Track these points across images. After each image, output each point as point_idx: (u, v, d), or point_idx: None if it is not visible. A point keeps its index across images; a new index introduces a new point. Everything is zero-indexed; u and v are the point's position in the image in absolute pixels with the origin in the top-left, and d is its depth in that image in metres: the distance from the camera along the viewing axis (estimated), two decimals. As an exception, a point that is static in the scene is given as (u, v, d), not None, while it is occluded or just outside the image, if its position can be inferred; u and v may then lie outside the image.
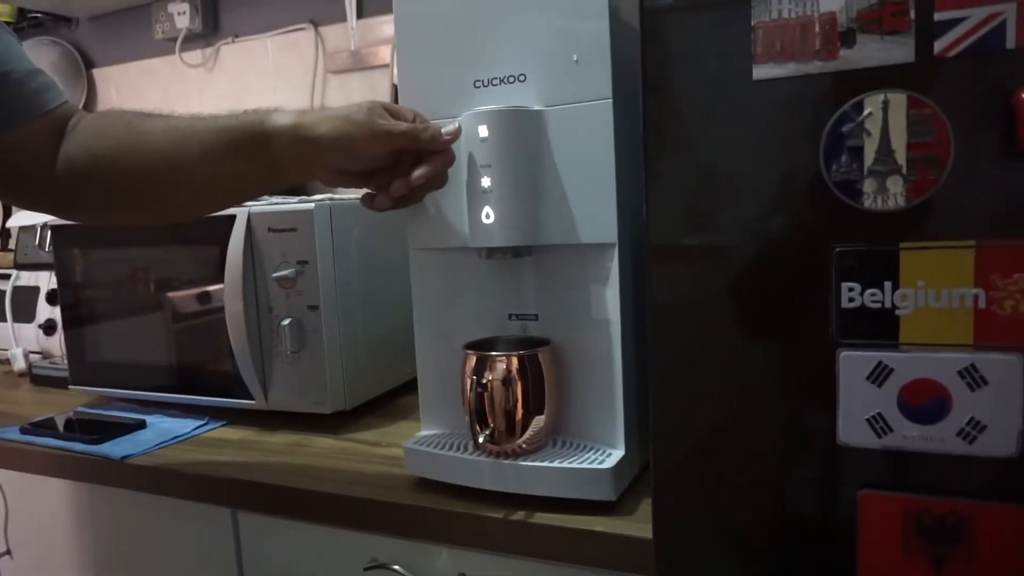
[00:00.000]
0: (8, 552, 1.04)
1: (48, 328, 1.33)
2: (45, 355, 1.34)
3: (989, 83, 0.42)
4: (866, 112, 0.45)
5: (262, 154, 0.66)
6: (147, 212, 0.76)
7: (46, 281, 1.35)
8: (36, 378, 1.27)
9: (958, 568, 0.46)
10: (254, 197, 0.85)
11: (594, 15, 0.63)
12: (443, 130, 0.67)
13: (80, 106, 1.66)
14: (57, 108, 0.70)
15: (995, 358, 0.44)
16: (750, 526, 0.53)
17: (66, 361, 1.12)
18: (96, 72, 1.68)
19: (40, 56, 1.67)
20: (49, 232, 1.13)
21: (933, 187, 0.44)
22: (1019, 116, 0.41)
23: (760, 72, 0.47)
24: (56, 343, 1.31)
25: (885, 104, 0.44)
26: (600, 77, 0.64)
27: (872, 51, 0.44)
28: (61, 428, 0.98)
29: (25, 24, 1.67)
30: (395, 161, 0.68)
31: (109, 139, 0.69)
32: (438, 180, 0.69)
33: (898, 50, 0.44)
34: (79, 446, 0.91)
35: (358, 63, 1.38)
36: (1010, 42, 0.42)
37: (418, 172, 0.67)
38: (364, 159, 0.67)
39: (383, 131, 0.64)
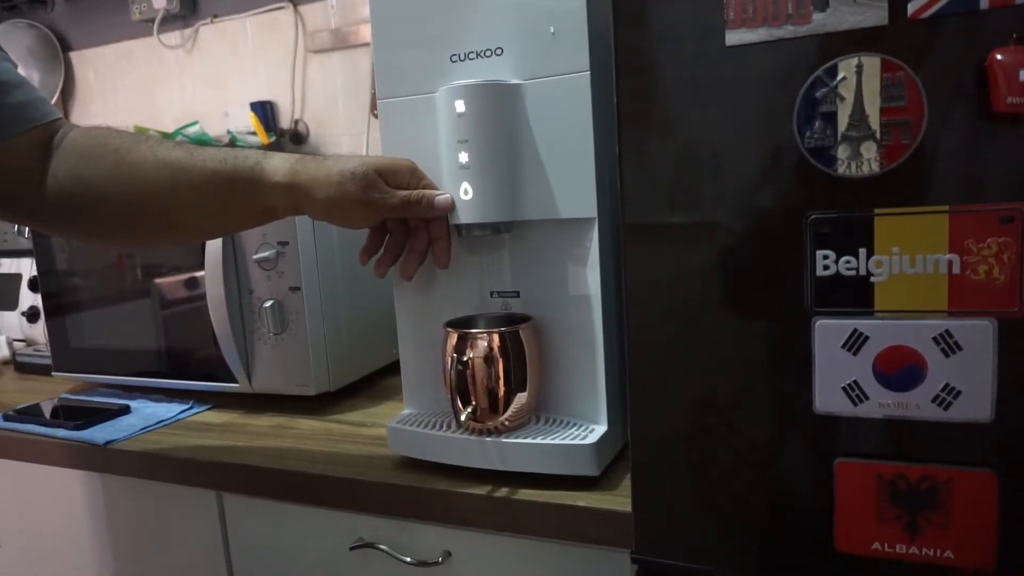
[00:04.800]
0: (-4, 540, 1.04)
1: (31, 316, 1.32)
2: (29, 343, 1.33)
3: (962, 45, 0.42)
4: (839, 77, 0.44)
5: (253, 201, 0.66)
6: (134, 241, 0.80)
7: (28, 268, 1.34)
8: (20, 366, 1.26)
9: (932, 533, 0.46)
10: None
11: (570, -14, 0.62)
12: (435, 200, 0.66)
13: (58, 90, 1.64)
14: (44, 124, 0.68)
15: (969, 324, 0.44)
16: (728, 497, 0.53)
17: (49, 348, 1.11)
18: (73, 55, 1.65)
19: (15, 40, 1.64)
20: (27, 218, 1.11)
21: (907, 152, 0.44)
22: (992, 78, 0.40)
23: (732, 38, 0.46)
24: (40, 330, 1.30)
25: (859, 68, 0.44)
26: (577, 49, 0.63)
27: (845, 14, 0.44)
28: (46, 415, 0.97)
29: (-1, 7, 1.64)
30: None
31: (98, 168, 0.67)
32: (440, 254, 0.70)
33: (871, 13, 0.43)
34: (63, 432, 0.90)
35: (339, 42, 1.36)
36: (983, 3, 0.41)
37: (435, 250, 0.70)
38: (353, 224, 0.69)
39: (376, 205, 0.65)
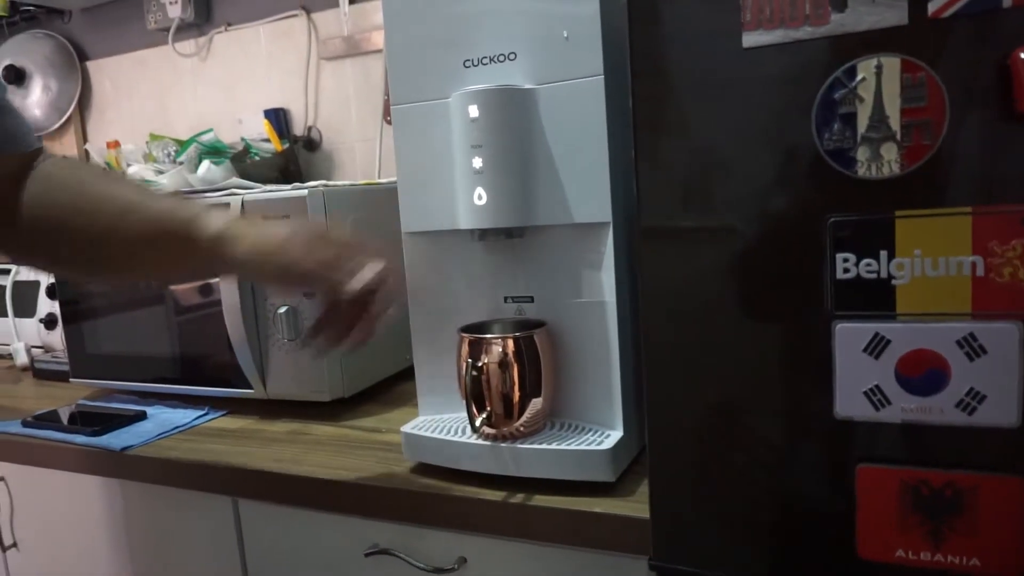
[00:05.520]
0: (14, 544, 1.05)
1: (49, 322, 1.33)
2: (47, 349, 1.35)
3: (984, 44, 0.41)
4: (859, 77, 0.44)
5: (185, 252, 0.64)
6: (97, 274, 0.78)
7: (45, 275, 1.35)
8: (38, 372, 1.27)
9: (956, 541, 0.45)
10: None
11: (584, -10, 0.62)
12: (356, 278, 0.61)
13: (75, 98, 1.66)
14: (20, 154, 0.65)
15: (994, 327, 0.43)
16: (747, 503, 0.52)
17: (67, 355, 1.12)
18: (90, 64, 1.67)
19: (34, 49, 1.67)
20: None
21: (928, 153, 0.43)
22: (1016, 77, 0.40)
23: (749, 39, 0.46)
24: (57, 337, 1.31)
25: (878, 68, 0.43)
26: (591, 53, 0.63)
27: (863, 14, 0.43)
28: (64, 421, 0.98)
29: (18, 18, 1.66)
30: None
31: (61, 196, 0.65)
32: (362, 330, 0.64)
33: (891, 12, 0.43)
34: (80, 438, 0.91)
35: (351, 49, 1.36)
36: (1006, 1, 0.40)
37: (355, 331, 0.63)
38: (274, 288, 0.66)
39: (292, 273, 0.62)
